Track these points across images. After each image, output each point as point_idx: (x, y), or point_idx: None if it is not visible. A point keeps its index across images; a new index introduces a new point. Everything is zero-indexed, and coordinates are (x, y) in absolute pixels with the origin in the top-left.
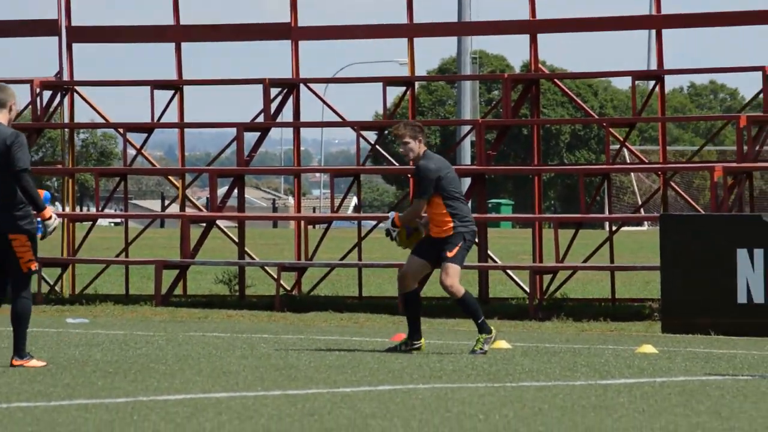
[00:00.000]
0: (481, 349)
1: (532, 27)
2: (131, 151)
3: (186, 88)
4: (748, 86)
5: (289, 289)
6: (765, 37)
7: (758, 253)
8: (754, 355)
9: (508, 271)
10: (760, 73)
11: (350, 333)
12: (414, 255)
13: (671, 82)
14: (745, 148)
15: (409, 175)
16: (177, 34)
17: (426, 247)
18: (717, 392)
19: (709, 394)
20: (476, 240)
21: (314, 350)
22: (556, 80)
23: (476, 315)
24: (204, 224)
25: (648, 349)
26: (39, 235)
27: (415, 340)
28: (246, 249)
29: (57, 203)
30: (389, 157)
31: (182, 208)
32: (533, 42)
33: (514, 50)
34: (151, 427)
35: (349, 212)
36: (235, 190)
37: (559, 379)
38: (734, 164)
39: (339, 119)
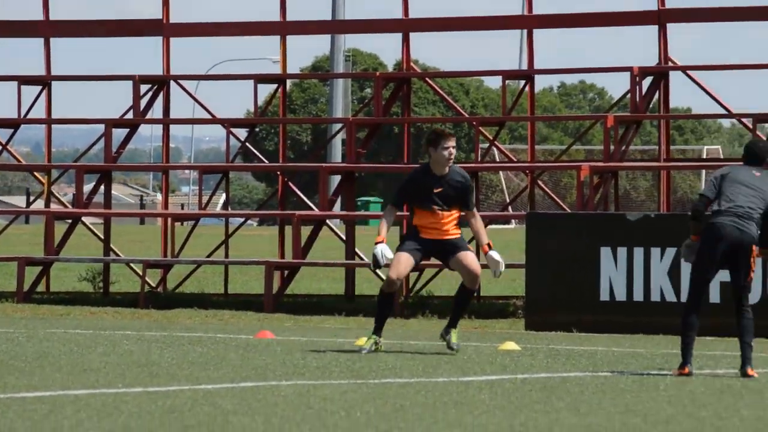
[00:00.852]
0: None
1: (405, 26)
2: None
3: (54, 84)
4: (616, 86)
5: (154, 286)
6: (633, 37)
7: (621, 251)
8: (614, 352)
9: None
10: (628, 74)
11: (215, 330)
12: (408, 254)
13: (542, 82)
14: (612, 147)
15: (392, 179)
16: (46, 29)
17: (420, 246)
18: (577, 388)
19: (569, 390)
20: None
21: (177, 347)
22: (427, 79)
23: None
24: (69, 221)
25: (511, 346)
26: None
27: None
28: (111, 246)
29: None
30: (259, 155)
31: (47, 204)
32: (405, 41)
33: (387, 49)
34: (7, 425)
35: (218, 209)
36: (102, 187)
37: (421, 376)
38: (600, 163)
39: (209, 116)
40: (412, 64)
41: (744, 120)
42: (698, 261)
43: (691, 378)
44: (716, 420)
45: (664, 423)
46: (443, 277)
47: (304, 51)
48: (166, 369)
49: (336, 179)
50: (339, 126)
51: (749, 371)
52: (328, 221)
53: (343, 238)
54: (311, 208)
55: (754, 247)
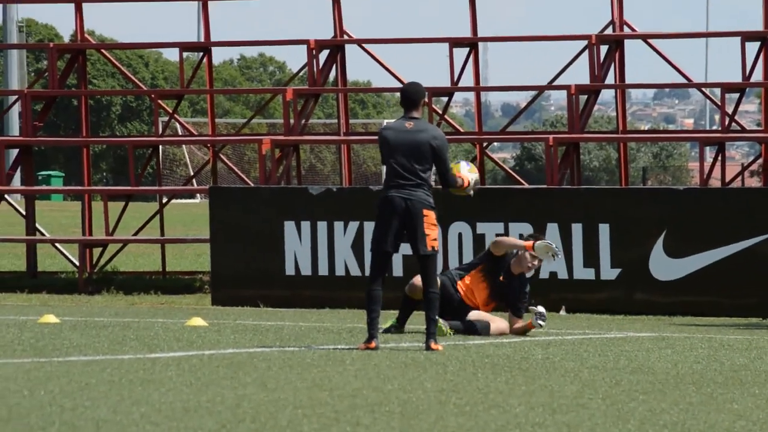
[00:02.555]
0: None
1: None
2: None
3: None
4: (295, 59)
5: None
6: (310, 11)
7: (305, 225)
8: (300, 327)
9: (58, 245)
10: (305, 47)
11: None
12: None
13: (221, 55)
14: (292, 121)
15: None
16: None
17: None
18: (264, 364)
19: (256, 366)
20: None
21: None
22: (103, 51)
23: None
24: None
25: (198, 322)
26: None
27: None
28: None
29: None
30: None
31: None
32: (78, 11)
33: (64, 20)
34: None
35: None
36: None
37: (107, 353)
38: (282, 137)
39: None
40: (87, 35)
41: None
42: (375, 234)
43: (377, 352)
44: (401, 393)
45: (350, 396)
46: (127, 253)
47: None
48: None
49: (13, 153)
50: (14, 98)
51: (433, 345)
52: (6, 196)
53: (23, 213)
54: None
55: (427, 212)
